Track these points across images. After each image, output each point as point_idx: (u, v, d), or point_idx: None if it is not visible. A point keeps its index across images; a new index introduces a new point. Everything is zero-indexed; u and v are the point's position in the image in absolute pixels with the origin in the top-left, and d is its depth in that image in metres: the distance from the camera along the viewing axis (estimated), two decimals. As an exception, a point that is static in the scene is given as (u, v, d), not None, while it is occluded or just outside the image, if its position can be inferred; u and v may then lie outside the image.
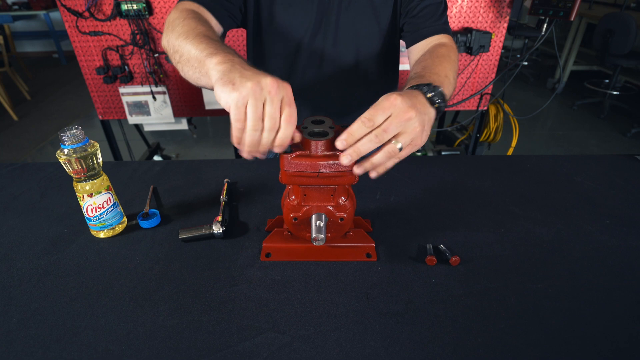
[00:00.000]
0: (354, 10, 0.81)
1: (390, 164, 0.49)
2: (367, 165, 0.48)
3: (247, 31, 0.87)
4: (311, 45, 0.83)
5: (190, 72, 0.58)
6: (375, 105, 0.46)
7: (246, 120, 0.45)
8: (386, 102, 0.46)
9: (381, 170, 0.49)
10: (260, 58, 0.89)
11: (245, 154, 0.48)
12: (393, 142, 0.47)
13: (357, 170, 0.49)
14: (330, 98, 0.89)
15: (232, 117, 0.45)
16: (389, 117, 0.46)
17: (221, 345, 0.46)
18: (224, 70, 0.48)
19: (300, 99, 0.89)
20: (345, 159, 0.47)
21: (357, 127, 0.46)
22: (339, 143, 0.46)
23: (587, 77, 4.13)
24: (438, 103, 0.52)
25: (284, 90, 0.46)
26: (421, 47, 0.79)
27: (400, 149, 0.47)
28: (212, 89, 0.50)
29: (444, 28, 0.79)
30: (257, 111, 0.44)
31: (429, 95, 0.51)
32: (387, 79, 0.94)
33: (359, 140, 0.46)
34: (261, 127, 0.45)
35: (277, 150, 0.48)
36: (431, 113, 0.51)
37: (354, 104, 0.92)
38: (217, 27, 0.74)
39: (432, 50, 0.73)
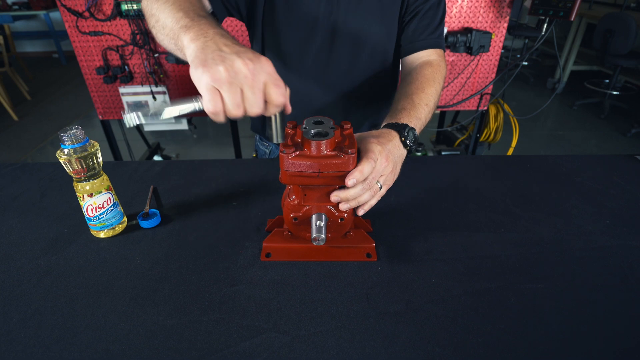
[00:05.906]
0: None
1: (374, 201, 0.57)
2: (352, 203, 0.54)
3: (253, 18, 0.84)
4: (325, 25, 0.81)
5: (165, 41, 0.56)
6: (364, 160, 0.51)
7: (224, 105, 0.41)
8: (372, 154, 0.52)
9: (367, 207, 0.57)
10: (272, 44, 0.87)
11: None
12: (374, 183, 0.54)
13: (343, 207, 0.54)
14: (341, 78, 0.88)
15: (205, 102, 0.41)
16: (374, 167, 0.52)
17: (221, 345, 0.46)
18: (197, 49, 0.44)
19: (311, 79, 0.88)
20: (344, 207, 0.54)
21: (355, 191, 0.53)
22: (335, 198, 0.53)
23: (587, 77, 4.13)
24: (409, 146, 0.61)
25: (264, 73, 0.42)
26: (411, 60, 0.84)
27: (380, 188, 0.56)
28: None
29: (437, 42, 0.82)
30: (235, 98, 0.41)
31: (403, 138, 0.60)
32: (394, 62, 0.94)
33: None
34: (242, 111, 0.42)
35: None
36: (403, 154, 0.61)
37: (364, 84, 0.91)
38: (206, 4, 0.71)
39: (419, 72, 0.77)
